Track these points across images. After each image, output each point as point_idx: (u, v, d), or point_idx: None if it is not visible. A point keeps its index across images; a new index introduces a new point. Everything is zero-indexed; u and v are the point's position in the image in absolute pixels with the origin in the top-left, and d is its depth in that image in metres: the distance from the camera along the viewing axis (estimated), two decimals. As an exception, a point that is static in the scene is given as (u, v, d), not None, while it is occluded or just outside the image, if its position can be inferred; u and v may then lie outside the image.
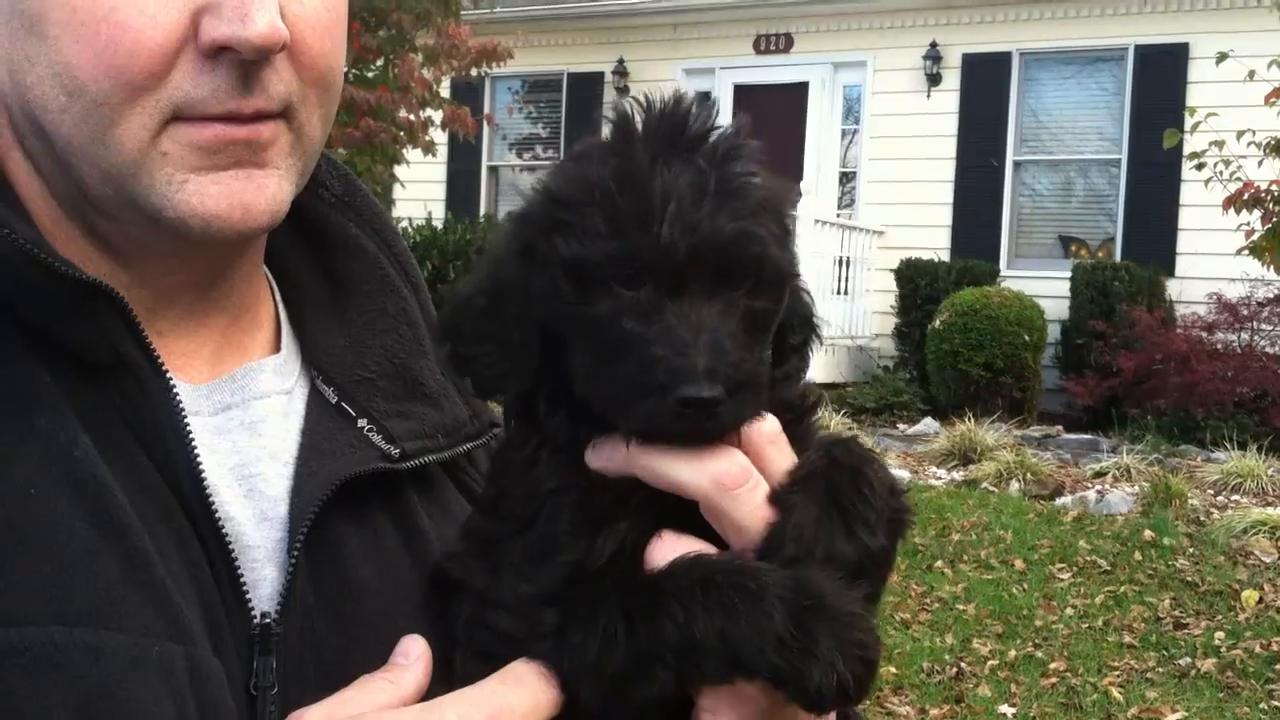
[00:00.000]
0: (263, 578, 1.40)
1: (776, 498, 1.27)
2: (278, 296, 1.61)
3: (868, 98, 20.69)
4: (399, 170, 17.48)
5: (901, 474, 13.10)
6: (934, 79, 19.91)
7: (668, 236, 1.22)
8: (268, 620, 1.37)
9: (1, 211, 1.28)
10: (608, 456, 1.30)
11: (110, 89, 1.27)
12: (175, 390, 1.36)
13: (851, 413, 16.28)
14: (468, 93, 20.31)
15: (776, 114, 20.96)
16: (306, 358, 1.58)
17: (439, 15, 17.32)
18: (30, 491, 1.23)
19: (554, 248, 1.27)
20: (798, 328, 1.41)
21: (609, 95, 22.06)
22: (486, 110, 21.11)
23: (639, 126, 1.29)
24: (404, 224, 19.92)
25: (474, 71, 18.12)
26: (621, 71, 21.99)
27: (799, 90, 21.10)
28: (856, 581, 1.23)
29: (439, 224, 20.08)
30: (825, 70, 20.89)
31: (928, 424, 16.05)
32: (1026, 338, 16.67)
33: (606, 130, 1.31)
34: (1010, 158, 19.73)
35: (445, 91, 18.92)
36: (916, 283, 18.43)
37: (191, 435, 1.35)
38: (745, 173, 1.28)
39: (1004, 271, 18.97)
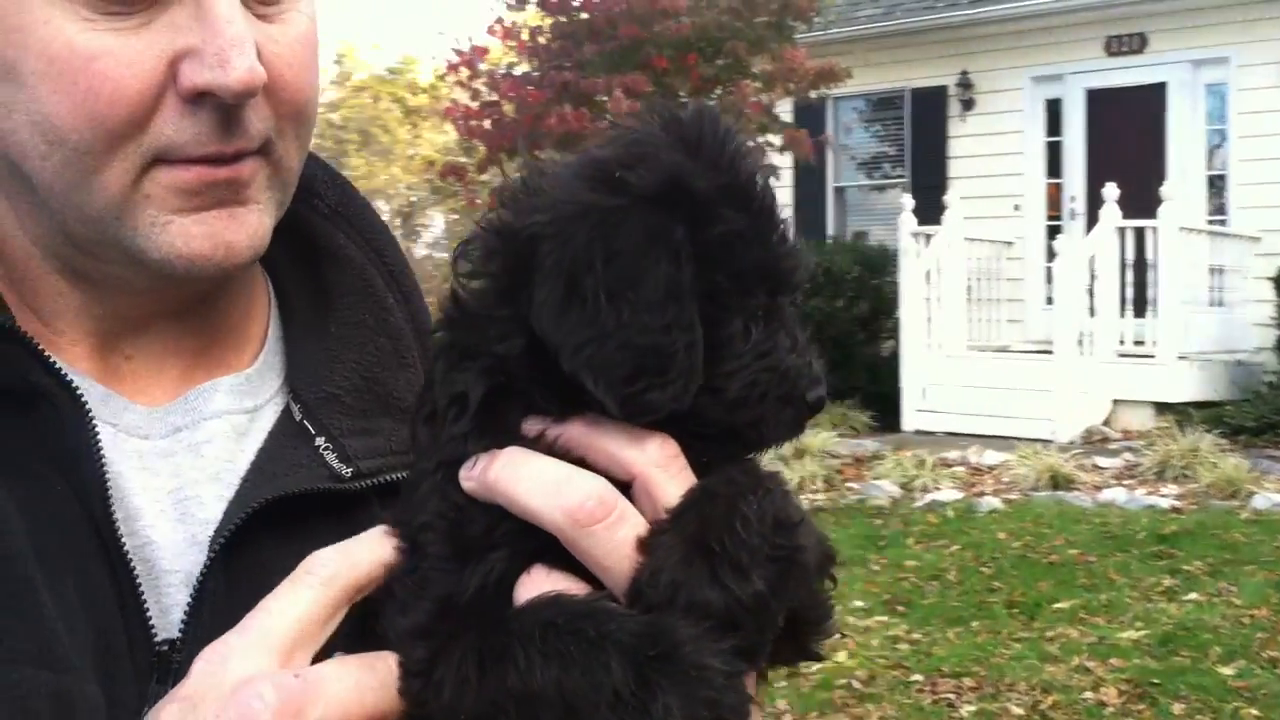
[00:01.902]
0: (177, 603, 1.40)
1: (645, 539, 1.15)
2: (273, 309, 1.64)
3: (1233, 96, 19.40)
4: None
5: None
6: (1308, 71, 18.41)
7: (804, 261, 1.26)
8: (164, 647, 1.36)
9: None
10: (474, 477, 1.20)
11: (91, 138, 1.30)
12: (92, 416, 1.37)
13: (1229, 433, 15.17)
14: (810, 115, 20.22)
15: (1132, 118, 20.02)
16: (287, 374, 1.59)
17: (774, 41, 17.33)
18: None
19: (711, 247, 1.20)
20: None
21: (953, 109, 21.52)
22: (828, 131, 20.90)
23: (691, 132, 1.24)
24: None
25: (812, 94, 18.03)
26: (965, 84, 21.41)
27: (1156, 92, 20.00)
28: (728, 632, 1.11)
29: (781, 249, 20.04)
30: (1184, 70, 19.71)
31: (1316, 443, 14.75)
32: None
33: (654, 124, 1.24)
34: (1400, 149, 17.98)
35: (787, 115, 18.91)
36: (1298, 291, 17.02)
37: (103, 461, 1.36)
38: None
39: (1400, 274, 17.28)
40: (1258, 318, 18.07)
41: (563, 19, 17.75)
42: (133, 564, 1.36)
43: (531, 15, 18.47)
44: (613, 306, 1.19)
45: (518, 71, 18.13)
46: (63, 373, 1.38)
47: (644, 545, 1.15)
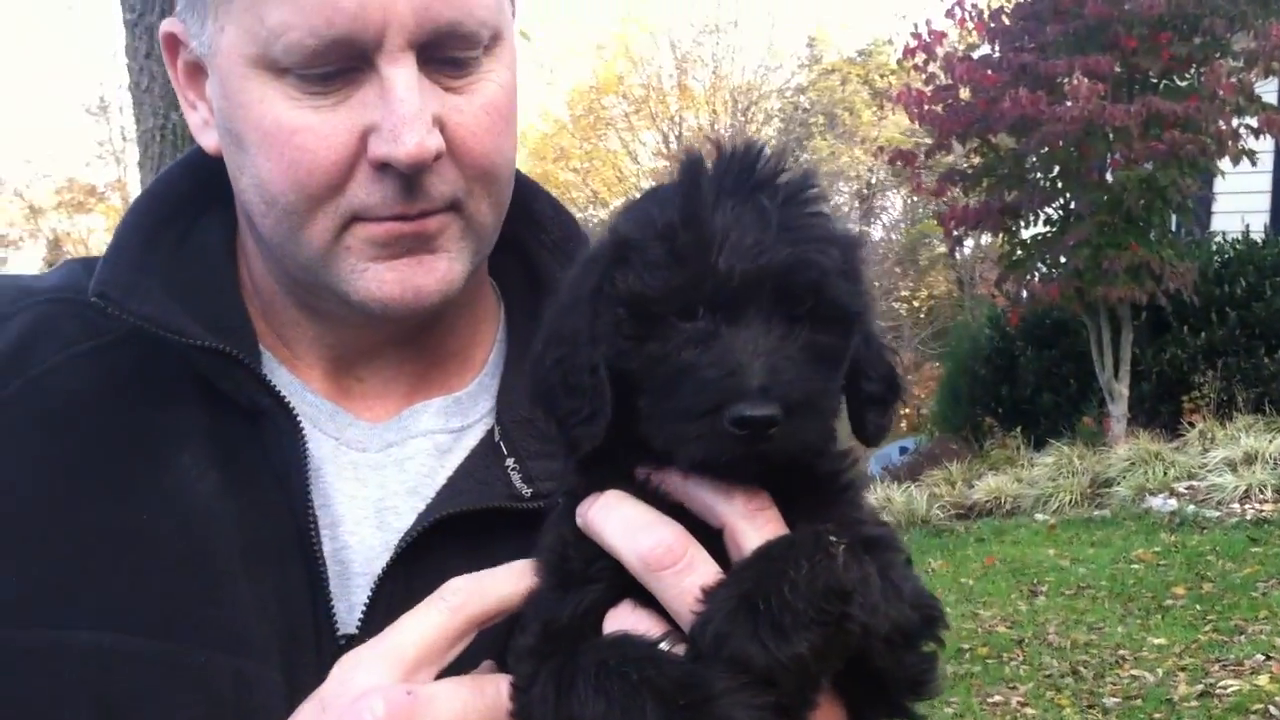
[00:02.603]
0: (361, 601, 1.57)
1: (708, 589, 1.23)
2: (500, 335, 1.82)
3: None
4: (1215, 182, 16.52)
5: None
6: None
7: (724, 265, 1.24)
8: (343, 641, 1.54)
9: (139, 290, 1.57)
10: (581, 514, 1.34)
11: (296, 200, 1.51)
12: (304, 433, 1.58)
13: None
14: (1296, 95, 18.69)
15: None
16: (498, 396, 1.74)
17: (1258, 17, 16.16)
18: (143, 516, 1.50)
19: (616, 284, 1.30)
20: (874, 377, 1.38)
21: None
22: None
23: (708, 168, 1.32)
24: (1218, 239, 18.79)
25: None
26: None
27: None
28: (769, 687, 1.17)
29: (1258, 237, 18.69)
30: None
31: None
32: None
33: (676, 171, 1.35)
34: None
35: (1271, 95, 17.61)
36: None
37: (308, 474, 1.56)
38: (810, 213, 1.30)
39: None
40: None
41: (1026, -1, 17.29)
42: (323, 566, 1.54)
43: (994, -3, 18.10)
44: (536, 356, 1.39)
45: (976, 55, 17.80)
46: (281, 394, 1.59)
47: (706, 595, 1.23)
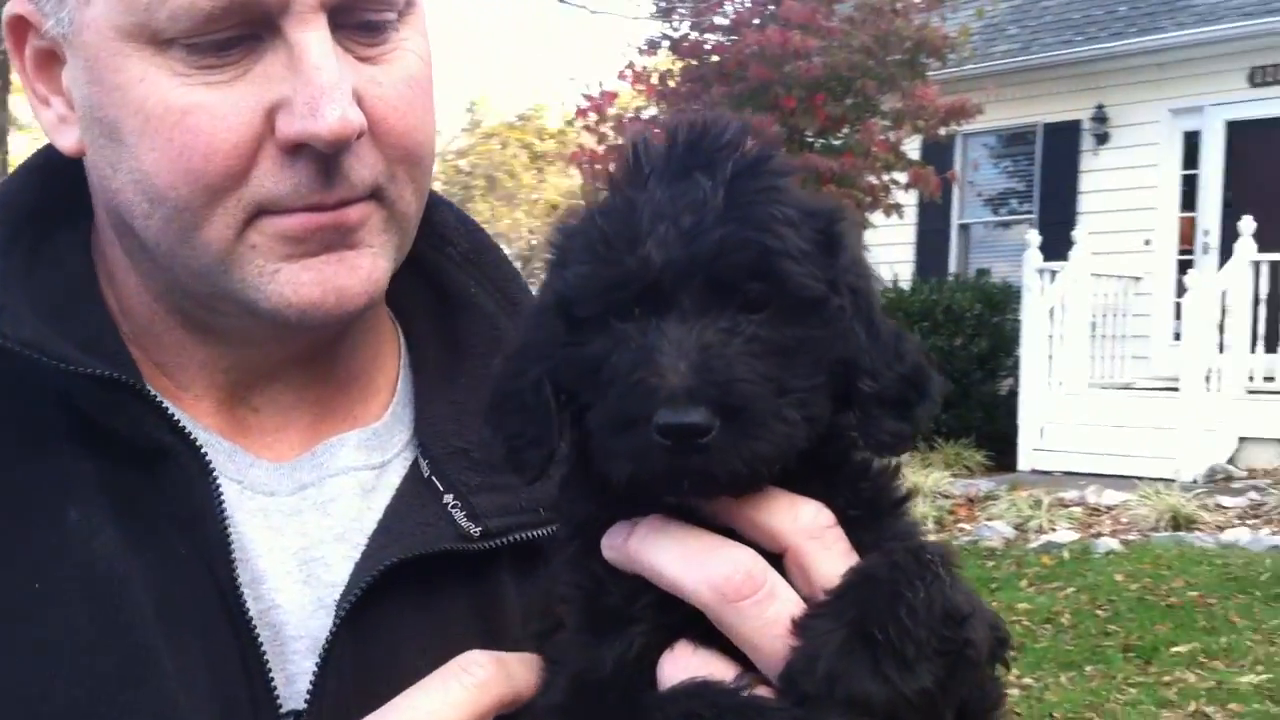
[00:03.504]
0: (303, 670, 1.35)
1: (801, 621, 1.06)
2: (404, 359, 1.58)
3: (1381, 126, 18.74)
4: (866, 235, 17.58)
5: None
6: None
7: (646, 253, 1.08)
8: (289, 718, 1.33)
9: (9, 312, 1.30)
10: (616, 546, 1.14)
11: (189, 194, 1.27)
12: (215, 475, 1.34)
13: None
14: (938, 152, 20.11)
15: (1275, 150, 19.45)
16: (415, 426, 1.52)
17: (905, 79, 17.36)
18: (34, 586, 1.24)
19: (549, 288, 1.17)
20: (880, 374, 1.16)
21: (1086, 143, 21.24)
22: (956, 168, 20.81)
23: (652, 153, 1.16)
24: (875, 287, 19.93)
25: (942, 130, 17.99)
26: (1100, 118, 21.07)
27: (1302, 122, 19.40)
28: None
29: (906, 285, 19.99)
30: (1332, 99, 19.14)
31: None
32: None
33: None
34: None
35: (916, 153, 18.91)
36: None
37: (227, 523, 1.32)
38: (759, 188, 1.12)
39: None
40: None
41: (694, 62, 18.02)
42: (256, 630, 1.31)
43: (662, 60, 18.77)
44: (494, 374, 1.26)
45: (646, 115, 18.44)
46: (186, 430, 1.34)
47: (799, 627, 1.06)
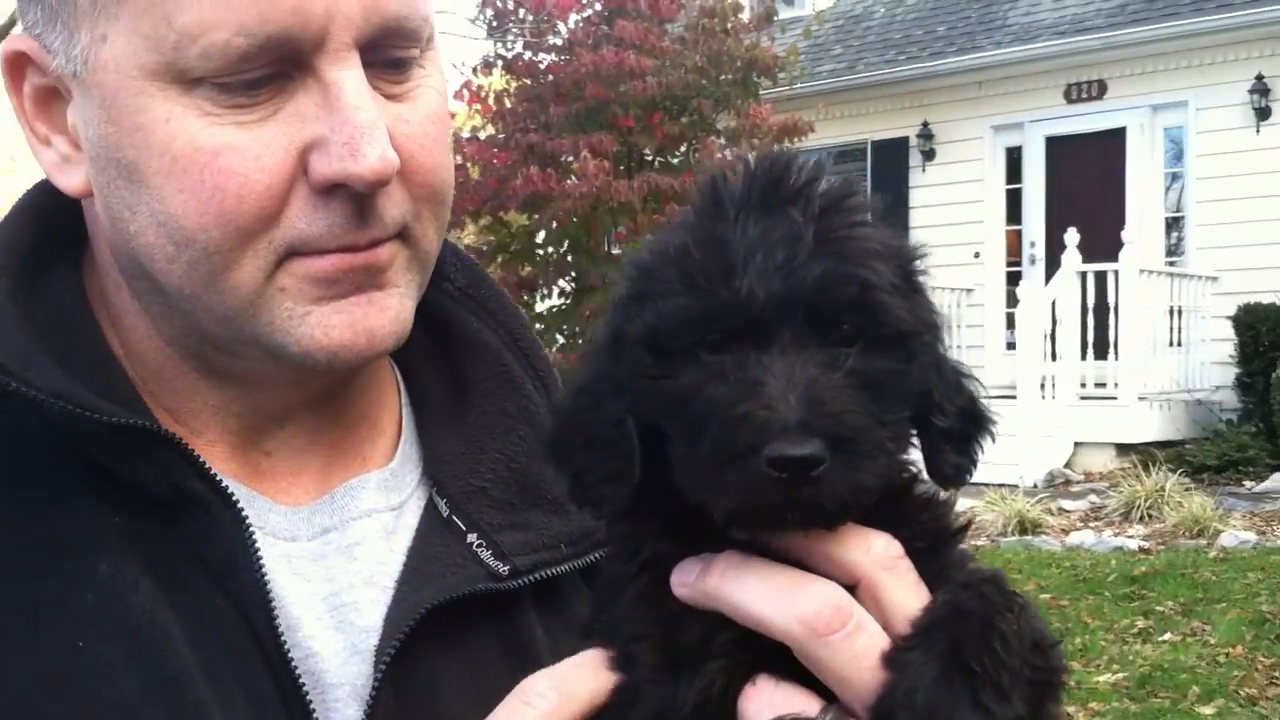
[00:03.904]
0: (346, 717, 1.33)
1: (891, 653, 1.07)
2: (404, 399, 1.56)
3: (1191, 138, 19.68)
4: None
5: (1247, 536, 12.31)
6: (1262, 113, 18.78)
7: (749, 287, 1.08)
8: None
9: (35, 360, 1.27)
10: (689, 583, 1.14)
11: (220, 237, 1.24)
12: (248, 523, 1.31)
13: (1191, 472, 15.33)
14: (772, 170, 20.38)
15: (1093, 163, 20.32)
16: (425, 466, 1.51)
17: (738, 98, 17.59)
18: (78, 644, 1.21)
19: (635, 323, 1.15)
20: (947, 409, 1.19)
21: (914, 159, 21.81)
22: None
23: (732, 187, 1.16)
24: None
25: (775, 148, 18.28)
26: (926, 134, 21.72)
27: (1116, 137, 20.28)
28: None
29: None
30: (1143, 114, 20.03)
31: (1277, 480, 14.96)
32: (1384, 381, 15.36)
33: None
34: (1355, 189, 18.32)
35: (750, 171, 19.12)
36: (1257, 329, 17.30)
37: (264, 571, 1.30)
38: (849, 224, 1.13)
39: (1357, 310, 17.55)
40: (1216, 356, 18.29)
41: (529, 82, 17.99)
42: (300, 679, 1.29)
43: (498, 80, 18.70)
44: (559, 409, 1.26)
45: (483, 135, 18.33)
46: (217, 478, 1.31)
47: (891, 661, 1.07)
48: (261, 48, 1.21)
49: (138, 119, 1.24)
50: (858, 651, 1.08)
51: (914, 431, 1.18)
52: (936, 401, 1.18)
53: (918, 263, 1.19)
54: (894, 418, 1.12)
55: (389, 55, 1.30)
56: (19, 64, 1.32)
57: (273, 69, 1.24)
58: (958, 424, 1.19)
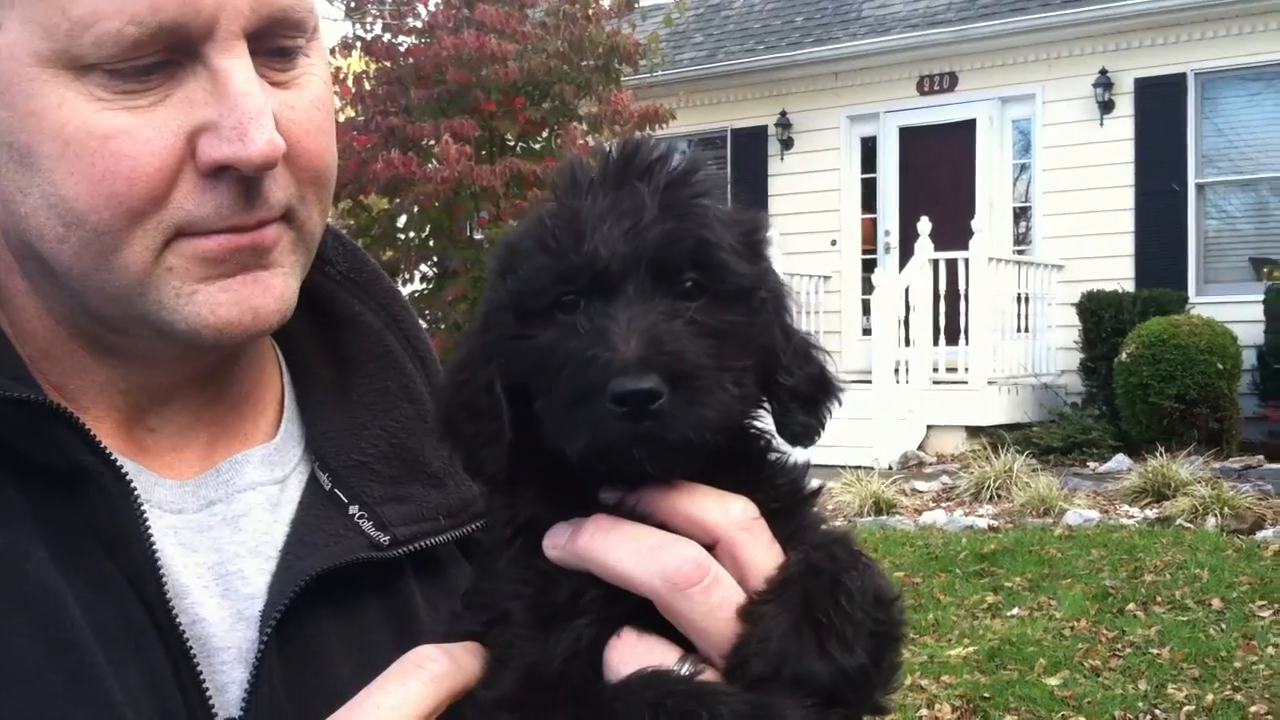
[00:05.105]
0: (233, 680, 1.38)
1: (746, 607, 1.15)
2: (286, 378, 1.61)
3: (1038, 130, 20.27)
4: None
5: (1091, 515, 12.72)
6: (1106, 106, 19.44)
7: (596, 248, 1.17)
8: None
9: None
10: (560, 545, 1.21)
11: (111, 218, 1.28)
12: (137, 495, 1.35)
13: (1038, 453, 15.82)
14: (634, 156, 20.44)
15: (945, 153, 20.76)
16: (308, 442, 1.56)
17: (600, 84, 17.61)
18: None
19: (499, 291, 1.24)
20: (794, 370, 1.27)
21: (773, 148, 22.08)
22: (652, 172, 21.23)
23: (587, 168, 1.26)
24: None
25: (637, 135, 18.30)
26: (784, 123, 22.00)
27: (966, 128, 20.78)
28: (831, 709, 1.11)
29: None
30: (992, 106, 20.56)
31: (1119, 461, 15.50)
32: (1220, 366, 16.00)
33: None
34: (1192, 181, 19.08)
35: (612, 157, 19.16)
36: (1100, 316, 17.89)
37: (153, 541, 1.34)
38: (692, 195, 1.22)
39: (1193, 299, 18.29)
40: (1061, 342, 18.91)
41: (388, 65, 17.79)
42: (189, 644, 1.34)
43: (356, 62, 18.46)
44: (440, 386, 1.34)
45: (343, 118, 18.07)
46: (108, 452, 1.34)
47: (747, 614, 1.14)
48: (153, 36, 1.24)
49: (31, 104, 1.27)
50: (714, 605, 1.14)
51: (764, 398, 1.26)
52: (783, 363, 1.26)
53: (760, 231, 1.27)
54: (735, 364, 1.18)
55: (276, 44, 1.34)
56: None
57: (163, 56, 1.27)
58: (805, 385, 1.27)
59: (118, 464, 1.35)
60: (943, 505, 14.01)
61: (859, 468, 14.88)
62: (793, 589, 1.14)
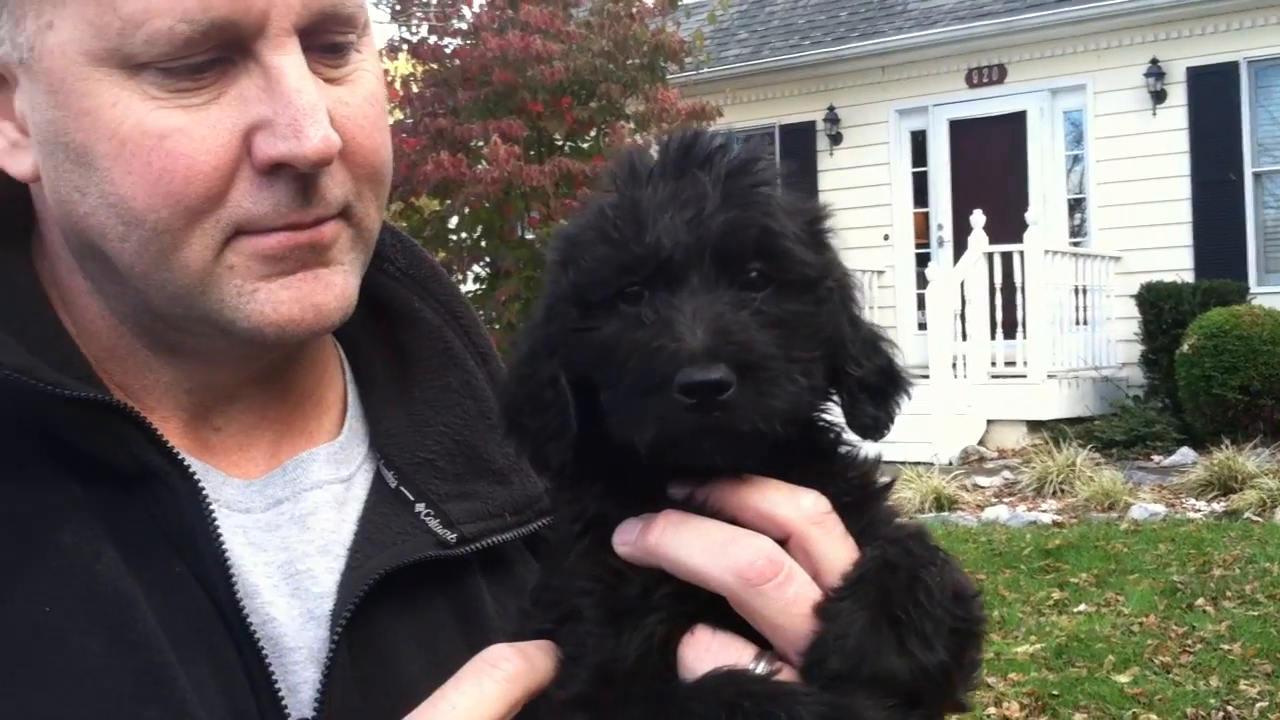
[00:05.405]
0: (304, 680, 1.38)
1: (822, 603, 1.13)
2: (348, 375, 1.62)
3: (1090, 121, 20.08)
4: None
5: (1157, 509, 12.57)
6: (1158, 96, 19.23)
7: (659, 239, 1.16)
8: None
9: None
10: (630, 541, 1.20)
11: (169, 217, 1.28)
12: (205, 495, 1.35)
13: (1100, 447, 15.66)
14: (682, 154, 20.43)
15: (995, 146, 20.62)
16: (372, 440, 1.56)
17: (647, 82, 17.57)
18: (44, 610, 1.24)
19: (561, 283, 1.23)
20: (862, 361, 1.25)
21: (822, 143, 21.96)
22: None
23: (646, 158, 1.25)
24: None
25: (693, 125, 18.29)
26: (833, 119, 21.90)
27: (1017, 120, 20.63)
28: (912, 709, 1.10)
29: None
30: (1043, 98, 20.38)
31: (1183, 454, 15.35)
32: (1284, 356, 15.78)
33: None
34: (1249, 169, 18.83)
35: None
36: (1160, 307, 17.72)
37: (222, 540, 1.34)
38: (754, 183, 1.21)
39: (1254, 288, 18.08)
40: (1121, 334, 18.71)
41: (435, 67, 17.83)
42: (260, 644, 1.34)
43: (403, 64, 18.51)
44: (503, 382, 1.34)
45: (391, 120, 18.11)
46: (175, 452, 1.35)
47: (823, 611, 1.13)
48: (204, 33, 1.25)
49: (85, 103, 1.27)
50: (789, 600, 1.13)
51: (832, 390, 1.25)
52: (851, 353, 1.24)
53: (824, 221, 1.26)
54: (803, 355, 1.17)
55: (327, 40, 1.34)
56: None
57: (216, 54, 1.27)
58: (873, 377, 1.25)
59: (185, 463, 1.36)
60: (1005, 501, 13.89)
61: (918, 463, 14.79)
62: (870, 585, 1.13)
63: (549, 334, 1.24)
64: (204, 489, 1.36)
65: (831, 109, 21.92)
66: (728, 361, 1.09)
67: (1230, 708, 7.80)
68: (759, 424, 1.11)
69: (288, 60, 1.29)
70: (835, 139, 21.84)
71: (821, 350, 1.20)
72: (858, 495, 1.24)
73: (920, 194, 21.60)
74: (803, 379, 1.15)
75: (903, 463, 14.55)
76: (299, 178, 1.30)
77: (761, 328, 1.14)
